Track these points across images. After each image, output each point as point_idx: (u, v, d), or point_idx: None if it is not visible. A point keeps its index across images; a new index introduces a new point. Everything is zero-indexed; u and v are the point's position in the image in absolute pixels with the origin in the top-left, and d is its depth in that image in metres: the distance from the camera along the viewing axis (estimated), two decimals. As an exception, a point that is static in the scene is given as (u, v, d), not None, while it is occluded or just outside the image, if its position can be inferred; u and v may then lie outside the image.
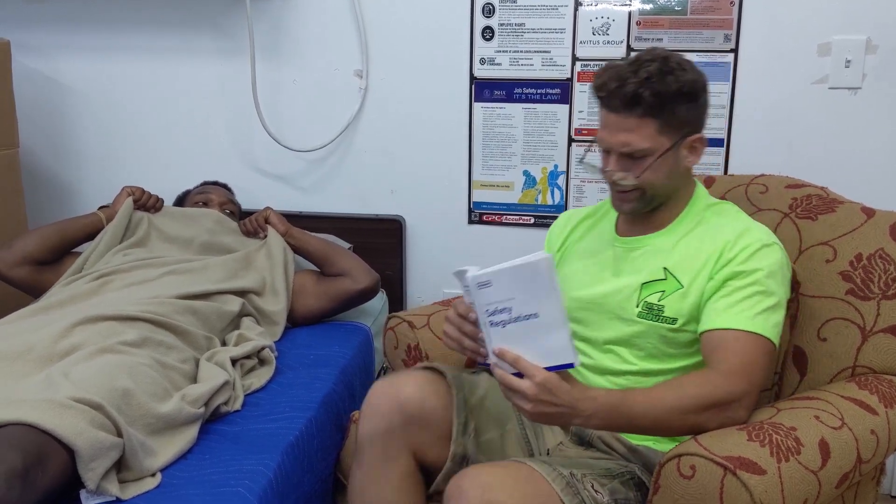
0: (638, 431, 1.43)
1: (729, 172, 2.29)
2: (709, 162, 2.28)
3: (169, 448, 1.49)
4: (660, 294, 1.53)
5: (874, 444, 1.48)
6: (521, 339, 1.26)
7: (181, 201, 2.38)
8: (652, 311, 1.53)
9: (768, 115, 2.24)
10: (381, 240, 2.47)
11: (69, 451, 1.30)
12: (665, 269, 1.54)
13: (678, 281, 1.52)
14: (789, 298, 1.57)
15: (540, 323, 1.24)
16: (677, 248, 1.56)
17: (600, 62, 2.27)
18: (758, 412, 1.49)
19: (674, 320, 1.52)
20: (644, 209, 1.58)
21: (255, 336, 1.91)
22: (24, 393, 1.40)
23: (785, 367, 1.70)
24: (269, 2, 2.42)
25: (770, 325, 1.45)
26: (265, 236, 2.25)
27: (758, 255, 1.49)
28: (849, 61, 2.17)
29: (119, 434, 1.38)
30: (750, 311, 1.44)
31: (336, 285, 2.14)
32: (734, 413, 1.39)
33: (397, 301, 2.52)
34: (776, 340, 1.47)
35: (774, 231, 1.78)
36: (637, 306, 1.55)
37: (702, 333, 1.48)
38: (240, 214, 2.42)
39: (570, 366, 1.28)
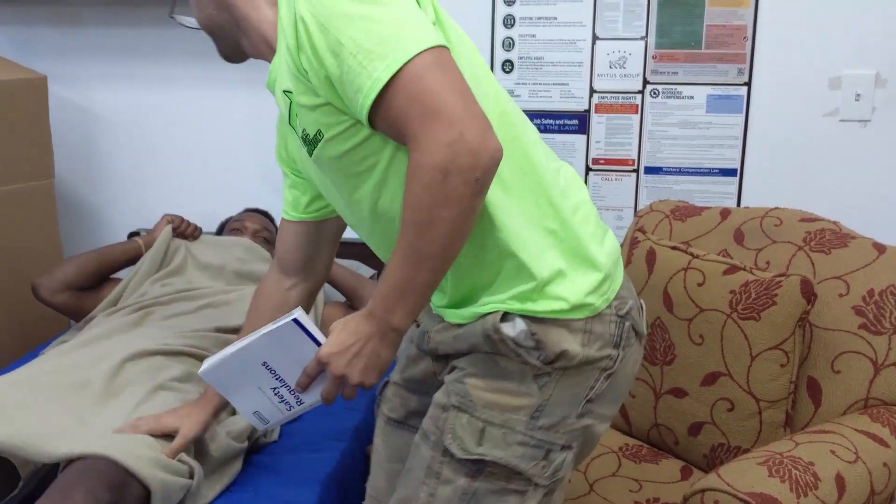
0: (431, 282, 1.10)
1: (742, 202, 2.36)
2: (723, 191, 2.36)
3: (217, 484, 1.57)
4: (296, 117, 1.20)
5: (886, 476, 1.55)
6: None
7: (222, 228, 2.46)
8: (305, 141, 1.21)
9: (781, 146, 2.31)
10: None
11: (145, 490, 1.39)
12: (284, 92, 1.19)
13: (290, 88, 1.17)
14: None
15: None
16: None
17: (617, 94, 2.35)
18: (776, 444, 1.57)
19: (318, 134, 1.17)
20: (223, 53, 1.40)
21: (289, 366, 1.98)
22: (102, 426, 1.48)
23: (799, 397, 1.77)
24: (295, 34, 2.49)
25: (398, 45, 1.03)
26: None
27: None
28: (859, 95, 2.24)
29: (191, 476, 1.47)
30: (365, 76, 1.03)
31: None
32: (461, 147, 1.01)
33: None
34: (420, 43, 1.04)
35: (788, 266, 1.87)
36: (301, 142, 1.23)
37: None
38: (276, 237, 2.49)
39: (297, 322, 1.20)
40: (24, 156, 2.35)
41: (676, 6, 2.26)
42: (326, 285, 2.30)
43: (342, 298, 2.32)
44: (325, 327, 2.23)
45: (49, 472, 1.50)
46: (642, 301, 1.34)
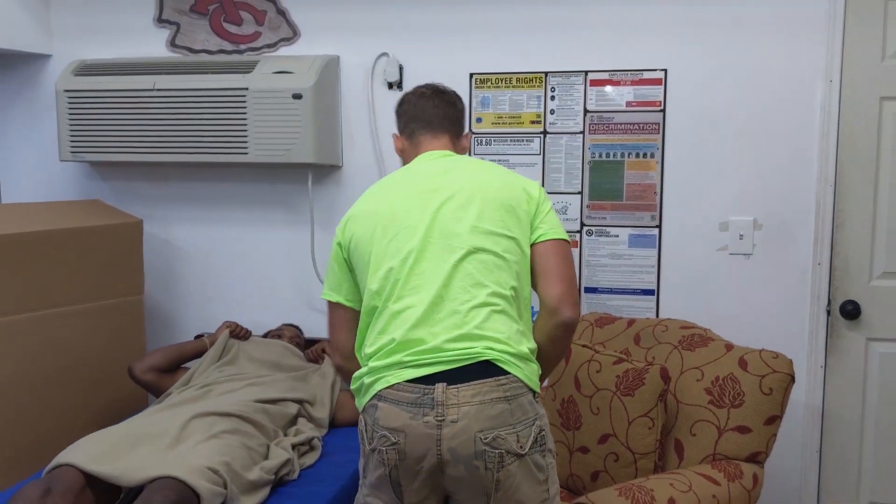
0: None
1: (660, 315, 3.07)
2: (644, 306, 3.07)
3: (251, 500, 2.29)
4: None
5: (715, 504, 2.22)
6: None
7: (265, 336, 3.25)
8: None
9: (685, 273, 3.04)
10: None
11: (197, 497, 2.13)
12: None
13: None
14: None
15: None
16: None
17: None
18: (635, 480, 2.24)
19: None
20: None
21: (308, 430, 2.72)
22: (172, 459, 2.24)
23: (668, 454, 2.44)
24: (326, 187, 3.32)
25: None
26: (322, 362, 3.09)
27: None
28: (742, 235, 2.98)
29: (225, 487, 2.20)
30: None
31: None
32: None
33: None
34: (325, 292, 2.07)
35: (666, 361, 2.56)
36: None
37: None
38: (304, 343, 3.26)
39: None
40: (122, 278, 3.18)
41: (603, 170, 3.06)
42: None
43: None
44: (339, 409, 2.98)
45: (137, 487, 2.24)
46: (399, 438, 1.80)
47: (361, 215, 2.00)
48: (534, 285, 1.96)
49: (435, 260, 1.88)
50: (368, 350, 1.90)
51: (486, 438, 1.75)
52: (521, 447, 1.78)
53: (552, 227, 1.97)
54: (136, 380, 2.91)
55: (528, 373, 1.85)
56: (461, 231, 1.89)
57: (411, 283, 1.87)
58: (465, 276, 1.86)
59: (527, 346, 1.87)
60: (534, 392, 1.86)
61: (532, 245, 1.95)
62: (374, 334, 1.90)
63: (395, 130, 2.25)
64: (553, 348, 1.95)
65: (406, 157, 2.19)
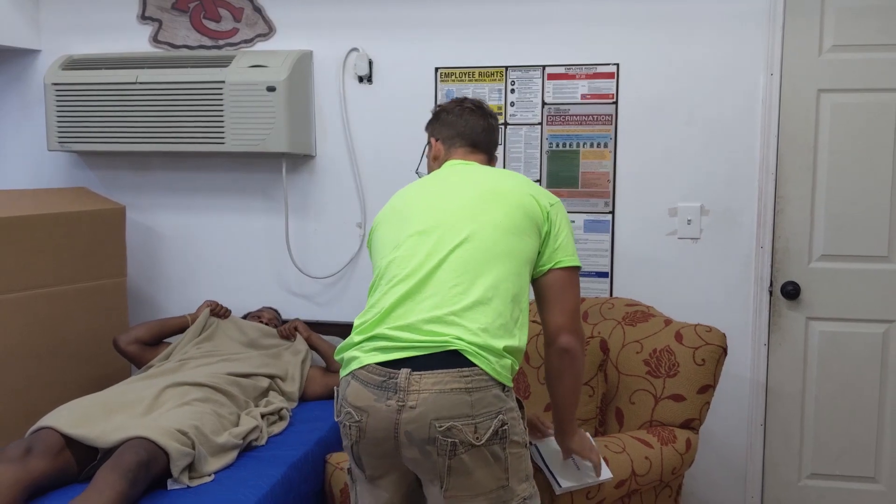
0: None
1: (613, 295, 3.25)
2: (599, 288, 3.25)
3: (219, 461, 2.47)
4: None
5: (648, 466, 2.38)
6: None
7: (245, 317, 3.42)
8: None
9: (637, 255, 3.21)
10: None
11: (166, 456, 2.30)
12: None
13: None
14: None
15: None
16: None
17: (523, 219, 3.28)
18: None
19: None
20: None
21: (278, 402, 2.90)
22: (145, 423, 2.41)
23: (609, 421, 2.62)
24: (300, 175, 3.50)
25: None
26: (294, 339, 3.27)
27: None
28: (690, 220, 3.15)
29: (193, 448, 2.38)
30: None
31: (335, 380, 3.12)
32: None
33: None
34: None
35: (609, 335, 2.74)
36: None
37: None
38: (280, 323, 3.44)
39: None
40: (106, 261, 3.35)
41: (560, 159, 3.23)
42: (312, 352, 3.24)
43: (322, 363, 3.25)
44: (309, 383, 3.16)
45: (113, 449, 2.40)
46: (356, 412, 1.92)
47: (382, 217, 2.18)
48: (539, 310, 2.09)
49: (436, 244, 1.98)
50: (358, 321, 2.00)
51: (440, 426, 1.82)
52: (478, 438, 1.83)
53: (567, 255, 2.08)
54: (120, 351, 3.09)
55: (499, 367, 1.88)
56: (466, 221, 2.00)
57: (408, 263, 1.98)
58: (459, 263, 1.94)
59: (504, 342, 1.90)
60: (503, 386, 1.90)
61: (548, 270, 2.06)
62: (368, 305, 2.02)
63: (424, 133, 2.43)
64: (556, 376, 2.08)
65: (437, 164, 2.31)
